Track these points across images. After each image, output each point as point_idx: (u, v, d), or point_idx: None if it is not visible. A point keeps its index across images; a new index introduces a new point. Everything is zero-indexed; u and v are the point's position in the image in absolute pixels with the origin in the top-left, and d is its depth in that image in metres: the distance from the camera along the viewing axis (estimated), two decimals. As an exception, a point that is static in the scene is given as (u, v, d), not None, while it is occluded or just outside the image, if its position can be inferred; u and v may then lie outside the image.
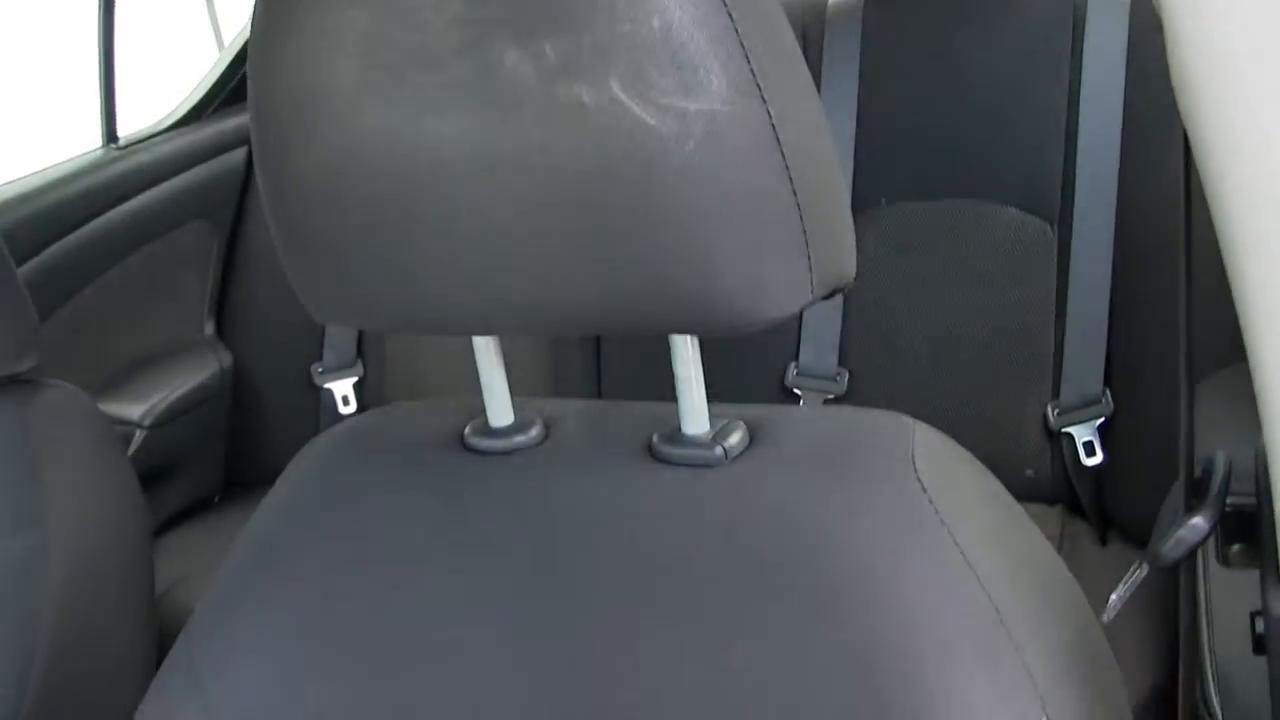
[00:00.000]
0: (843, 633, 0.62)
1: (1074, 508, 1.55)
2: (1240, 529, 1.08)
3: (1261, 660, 0.87)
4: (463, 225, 0.60)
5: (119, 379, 1.72)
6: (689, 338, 0.67)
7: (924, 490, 0.64)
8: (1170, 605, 1.38)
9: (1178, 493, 0.75)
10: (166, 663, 0.74)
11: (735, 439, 0.68)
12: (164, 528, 1.75)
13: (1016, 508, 0.69)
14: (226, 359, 1.84)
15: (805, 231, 0.60)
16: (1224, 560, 1.05)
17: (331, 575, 0.71)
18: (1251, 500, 1.08)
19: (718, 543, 0.65)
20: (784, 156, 0.58)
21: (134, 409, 1.68)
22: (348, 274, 0.64)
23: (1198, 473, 0.75)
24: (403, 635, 0.69)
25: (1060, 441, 1.52)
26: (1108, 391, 1.50)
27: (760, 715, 0.62)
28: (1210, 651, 0.95)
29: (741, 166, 0.58)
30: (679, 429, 0.68)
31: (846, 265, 0.64)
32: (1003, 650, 0.61)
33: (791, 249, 0.60)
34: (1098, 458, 1.50)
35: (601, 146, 0.57)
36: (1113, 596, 0.83)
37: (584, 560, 0.67)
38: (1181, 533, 0.73)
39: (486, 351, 0.72)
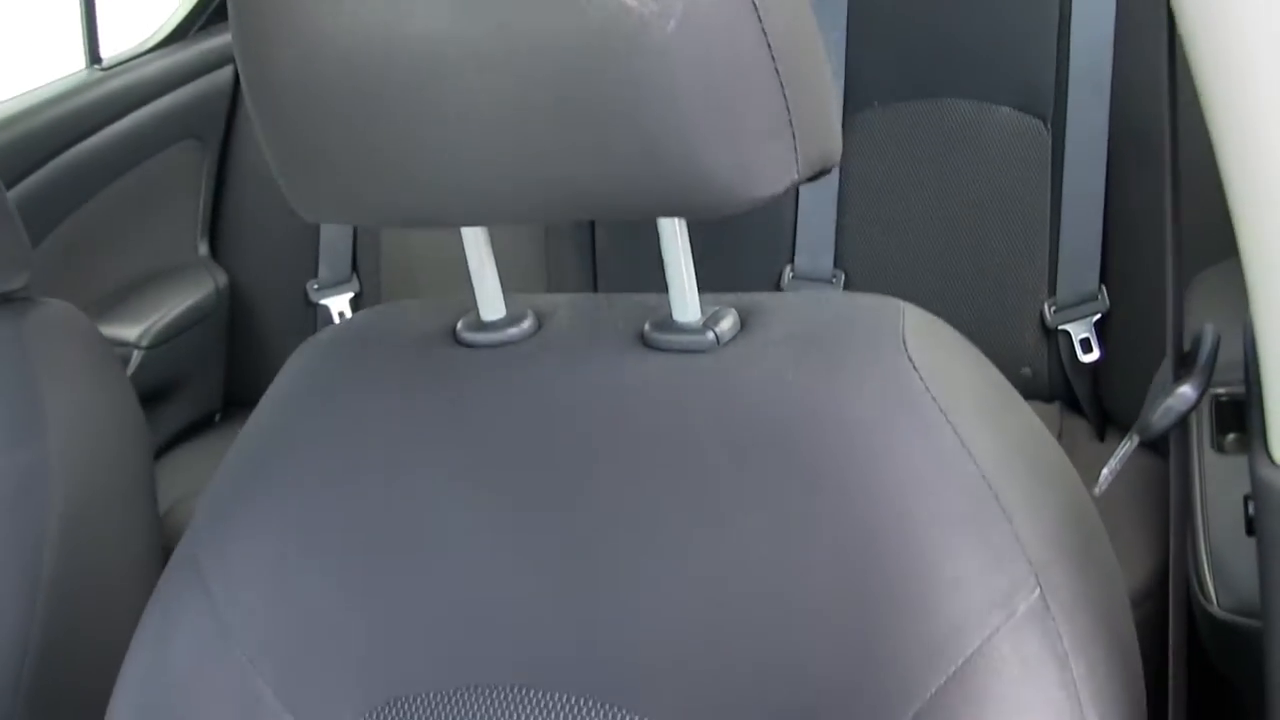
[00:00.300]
0: (835, 508, 0.62)
1: (1071, 405, 1.56)
2: (1235, 418, 1.09)
3: (1251, 542, 0.88)
4: (446, 113, 0.60)
5: (114, 301, 1.71)
6: (676, 221, 0.66)
7: (915, 369, 0.64)
8: (1165, 497, 1.39)
9: (1167, 367, 0.75)
10: (169, 566, 0.75)
11: (726, 324, 0.68)
12: (165, 448, 1.76)
13: (1008, 386, 0.70)
14: (222, 278, 1.83)
15: (789, 110, 0.59)
16: (1218, 449, 1.06)
17: (328, 470, 0.72)
18: (1244, 389, 1.08)
19: (710, 424, 0.65)
20: (766, 34, 0.58)
21: (131, 330, 1.68)
22: (333, 169, 0.64)
23: (1186, 347, 0.75)
24: (401, 526, 0.70)
25: (1057, 339, 1.52)
26: (1104, 288, 1.51)
27: (755, 590, 0.63)
28: (1205, 536, 0.96)
29: (723, 45, 0.57)
30: (670, 316, 0.69)
31: (832, 145, 0.63)
32: (995, 522, 0.62)
33: (775, 128, 0.60)
34: (1094, 354, 1.51)
35: (583, 28, 0.56)
36: (1104, 471, 0.84)
37: (577, 446, 0.68)
38: (1170, 402, 0.73)
39: (476, 244, 0.71)
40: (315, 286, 1.82)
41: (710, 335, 0.68)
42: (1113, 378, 1.52)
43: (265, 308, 1.86)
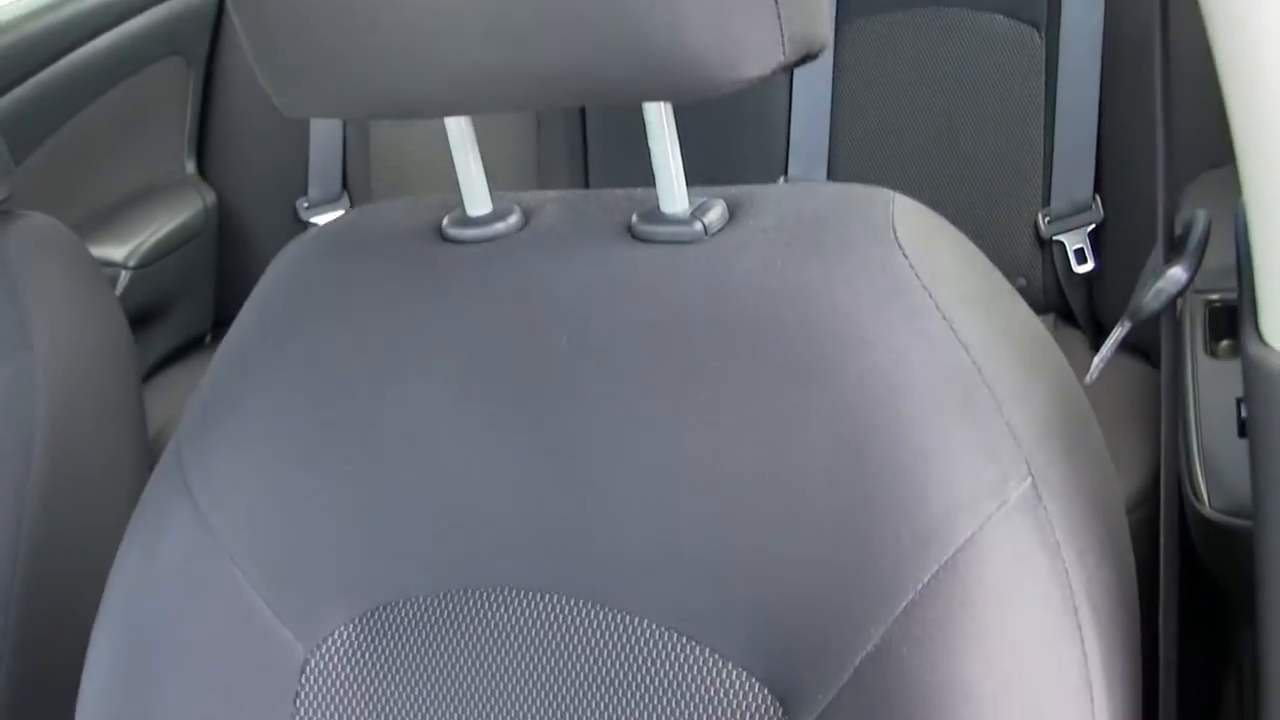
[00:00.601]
0: (825, 395, 0.62)
1: (1066, 316, 1.55)
2: (1227, 324, 1.08)
3: (1245, 443, 0.88)
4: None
5: (100, 222, 1.69)
6: (662, 105, 0.65)
7: (905, 256, 0.64)
8: (1156, 406, 1.39)
9: (1158, 252, 0.75)
10: (155, 474, 0.74)
11: (714, 215, 0.67)
12: (154, 370, 1.75)
13: (998, 275, 0.69)
14: (210, 197, 1.81)
15: None
16: (1211, 354, 1.06)
17: (313, 372, 0.71)
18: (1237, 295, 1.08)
19: (698, 314, 0.65)
20: None
21: (118, 250, 1.66)
22: (314, 60, 0.63)
23: (1178, 232, 0.75)
24: (388, 427, 0.69)
25: (1051, 250, 1.52)
26: (1098, 198, 1.50)
27: (746, 482, 0.63)
28: (1197, 438, 0.96)
29: None
30: (657, 208, 0.68)
31: (819, 27, 0.62)
32: (986, 410, 0.61)
33: (761, 8, 0.59)
34: (1089, 265, 1.50)
35: None
36: (1095, 359, 0.84)
37: (565, 333, 0.67)
38: (1160, 284, 0.73)
39: (460, 136, 0.70)
40: (305, 205, 1.80)
41: (698, 226, 0.67)
42: (1107, 289, 1.51)
43: (254, 227, 1.85)
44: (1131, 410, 1.35)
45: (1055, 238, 1.50)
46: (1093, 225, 1.50)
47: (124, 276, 1.66)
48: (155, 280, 1.71)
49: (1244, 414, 0.86)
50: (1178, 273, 0.73)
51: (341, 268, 0.73)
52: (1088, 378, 0.83)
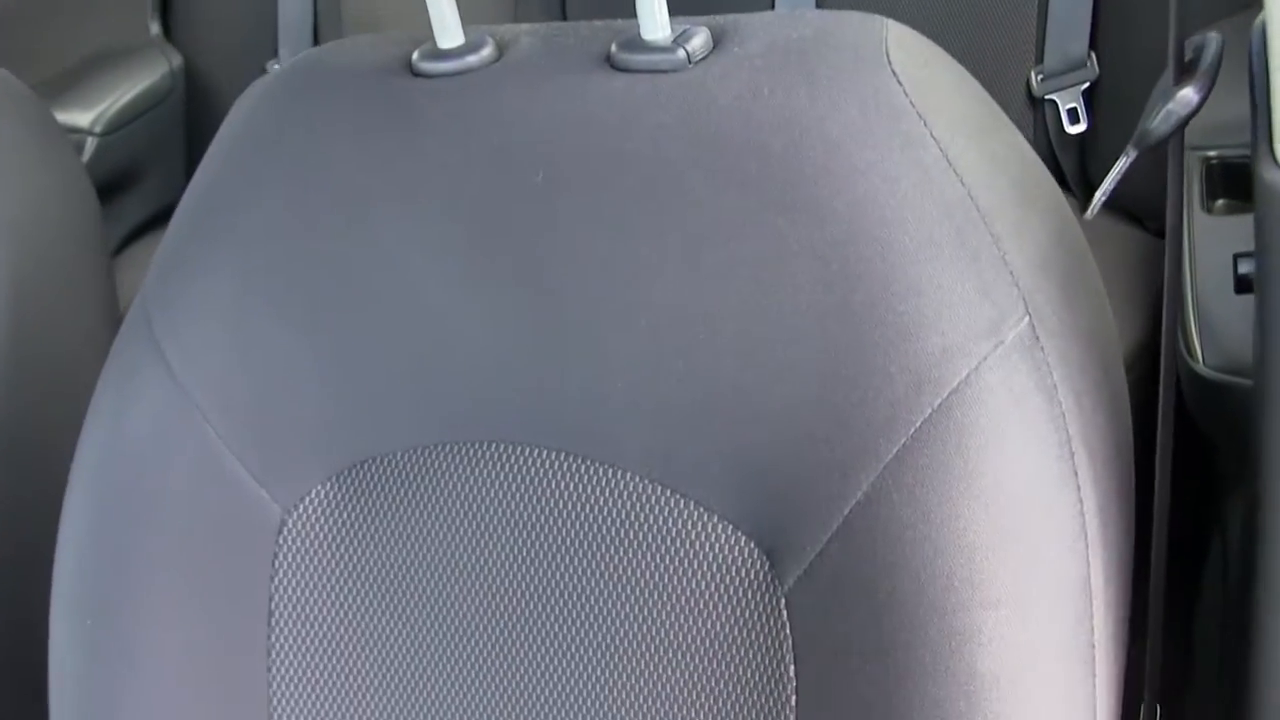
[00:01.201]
0: (816, 228, 0.59)
1: (1057, 178, 1.52)
2: (1224, 183, 1.06)
3: (1241, 300, 0.86)
4: None
5: (63, 87, 1.65)
6: None
7: (899, 82, 0.60)
8: (1154, 265, 1.38)
9: (1167, 76, 0.71)
10: (121, 333, 0.71)
11: (698, 42, 0.63)
12: (125, 242, 1.72)
13: (994, 106, 0.66)
14: (176, 60, 1.76)
15: None
16: (1208, 211, 1.04)
17: (283, 217, 0.68)
18: (1240, 152, 1.05)
19: (681, 146, 0.61)
20: None
21: (83, 116, 1.62)
22: None
23: (1188, 55, 0.71)
24: (362, 273, 0.66)
25: (1043, 109, 1.48)
26: (1093, 55, 1.46)
27: (732, 321, 0.60)
28: (1192, 296, 0.94)
29: None
30: (638, 36, 0.64)
31: None
32: (982, 245, 0.58)
33: None
34: (1081, 125, 1.47)
35: None
36: (1097, 193, 0.81)
37: (541, 168, 0.64)
38: (1170, 106, 0.70)
39: None
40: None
41: (681, 53, 0.63)
42: (1100, 149, 1.49)
43: (224, 91, 1.80)
44: (1120, 273, 1.34)
45: (1047, 97, 1.47)
46: (1086, 84, 1.46)
47: (90, 143, 1.62)
48: (123, 147, 1.67)
49: (1240, 270, 0.84)
50: (1188, 94, 0.69)
51: (307, 107, 0.69)
52: (1088, 213, 0.81)
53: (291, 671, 0.71)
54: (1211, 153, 1.07)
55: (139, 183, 1.73)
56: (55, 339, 1.04)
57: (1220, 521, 0.99)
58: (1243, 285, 0.84)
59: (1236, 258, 0.84)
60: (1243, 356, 0.85)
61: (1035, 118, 1.49)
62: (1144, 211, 1.43)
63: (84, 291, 1.10)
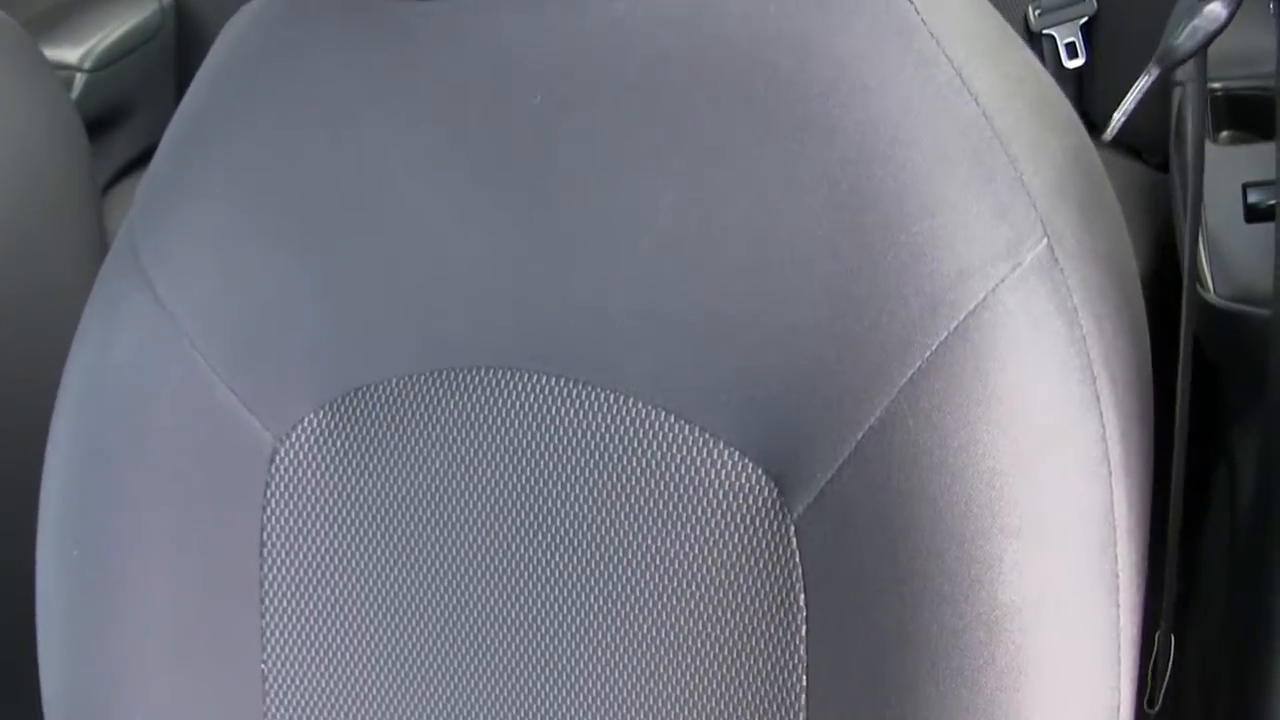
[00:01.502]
0: (826, 148, 0.57)
1: (1055, 113, 1.52)
2: (1228, 114, 1.05)
3: (1250, 230, 0.86)
4: None
5: (52, 22, 1.63)
6: None
7: (910, 1, 0.59)
8: (1155, 198, 1.37)
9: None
10: (107, 262, 0.70)
11: None
12: (115, 179, 1.70)
13: (1008, 27, 0.64)
14: None
15: None
16: (1215, 142, 1.03)
17: (273, 143, 0.66)
18: (1246, 84, 1.04)
19: (685, 65, 0.60)
20: None
21: (71, 52, 1.60)
22: None
23: None
24: (354, 198, 0.65)
25: (1041, 44, 1.47)
26: None
27: (738, 244, 0.59)
28: (1203, 226, 0.93)
29: None
30: None
31: None
32: (998, 165, 0.57)
33: None
34: (1080, 59, 1.46)
35: None
36: (1116, 113, 0.80)
37: (539, 90, 0.62)
38: (1196, 22, 0.68)
39: None
40: None
41: None
42: (1099, 85, 1.48)
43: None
44: (1122, 206, 1.33)
45: (1045, 31, 1.46)
46: (1085, 18, 1.45)
47: (79, 80, 1.60)
48: (113, 85, 1.65)
49: (1250, 199, 0.83)
50: (1216, 8, 0.68)
51: (296, 29, 0.68)
52: (1106, 133, 0.80)
53: (284, 602, 0.70)
54: (1216, 85, 1.06)
55: (129, 119, 1.71)
56: (44, 275, 1.03)
57: (1226, 451, 0.99)
58: (1253, 214, 0.83)
59: (1246, 187, 0.84)
60: (1253, 285, 0.85)
61: (1033, 52, 1.48)
62: (1144, 145, 1.42)
63: (73, 227, 1.09)
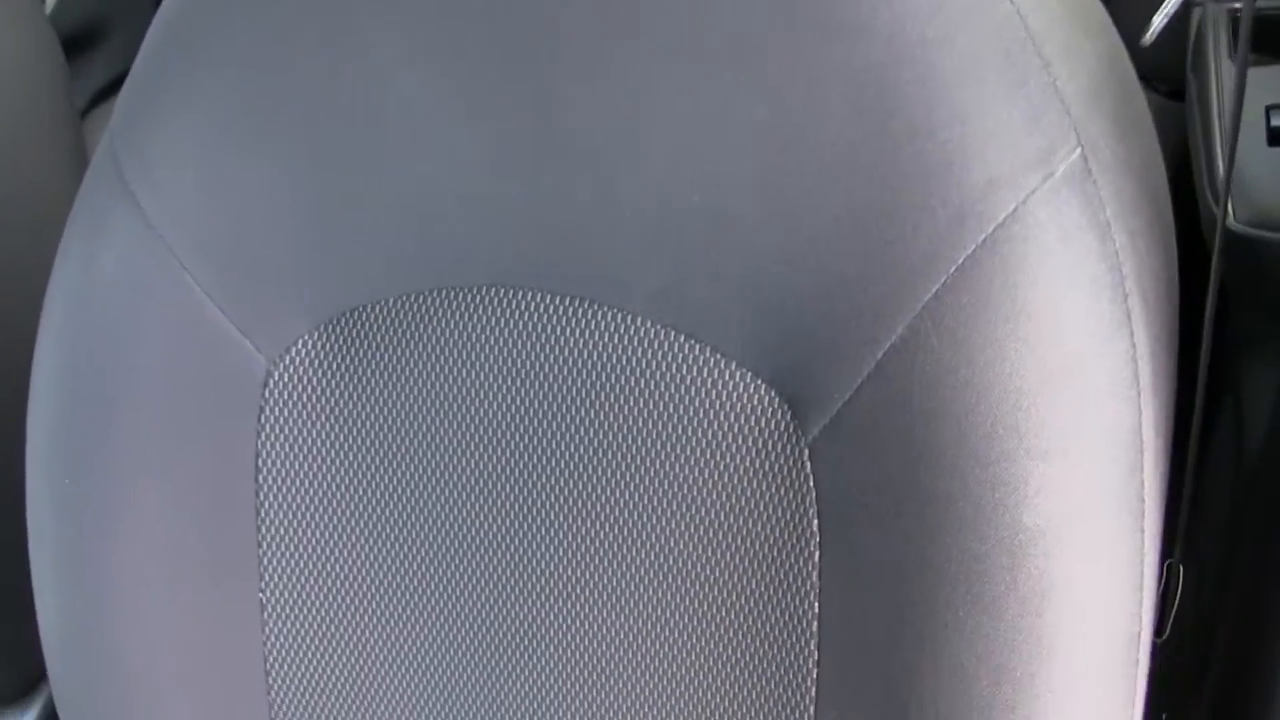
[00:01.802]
0: (851, 48, 0.54)
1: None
2: (1250, 36, 1.03)
3: (1272, 153, 0.83)
4: None
5: (24, -67, 1.58)
6: None
7: None
8: (1167, 127, 1.34)
9: None
10: (87, 178, 0.67)
11: None
12: (95, 101, 1.66)
13: None
14: None
15: None
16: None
17: (260, 45, 0.62)
18: (1271, 3, 1.02)
19: None
20: None
21: None
22: None
23: None
24: (348, 107, 0.61)
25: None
26: None
27: (757, 153, 0.56)
28: (1222, 149, 0.90)
29: None
30: None
31: None
32: (1032, 69, 0.54)
33: None
34: None
35: None
36: (1157, 16, 0.77)
37: (546, 24, 0.59)
38: None
39: None
40: None
41: None
42: (1123, 10, 1.44)
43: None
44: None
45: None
46: None
47: (52, -7, 1.56)
48: (88, 1, 1.60)
49: (1273, 122, 0.81)
50: None
51: None
52: (1145, 38, 0.77)
53: (281, 528, 0.68)
54: (1236, 4, 1.03)
55: (106, 38, 1.67)
56: (23, 198, 1.00)
57: (1234, 381, 0.97)
58: (1276, 137, 0.81)
59: (1269, 109, 0.81)
60: (1274, 210, 0.83)
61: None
62: (1153, 73, 1.39)
63: (52, 149, 1.06)
